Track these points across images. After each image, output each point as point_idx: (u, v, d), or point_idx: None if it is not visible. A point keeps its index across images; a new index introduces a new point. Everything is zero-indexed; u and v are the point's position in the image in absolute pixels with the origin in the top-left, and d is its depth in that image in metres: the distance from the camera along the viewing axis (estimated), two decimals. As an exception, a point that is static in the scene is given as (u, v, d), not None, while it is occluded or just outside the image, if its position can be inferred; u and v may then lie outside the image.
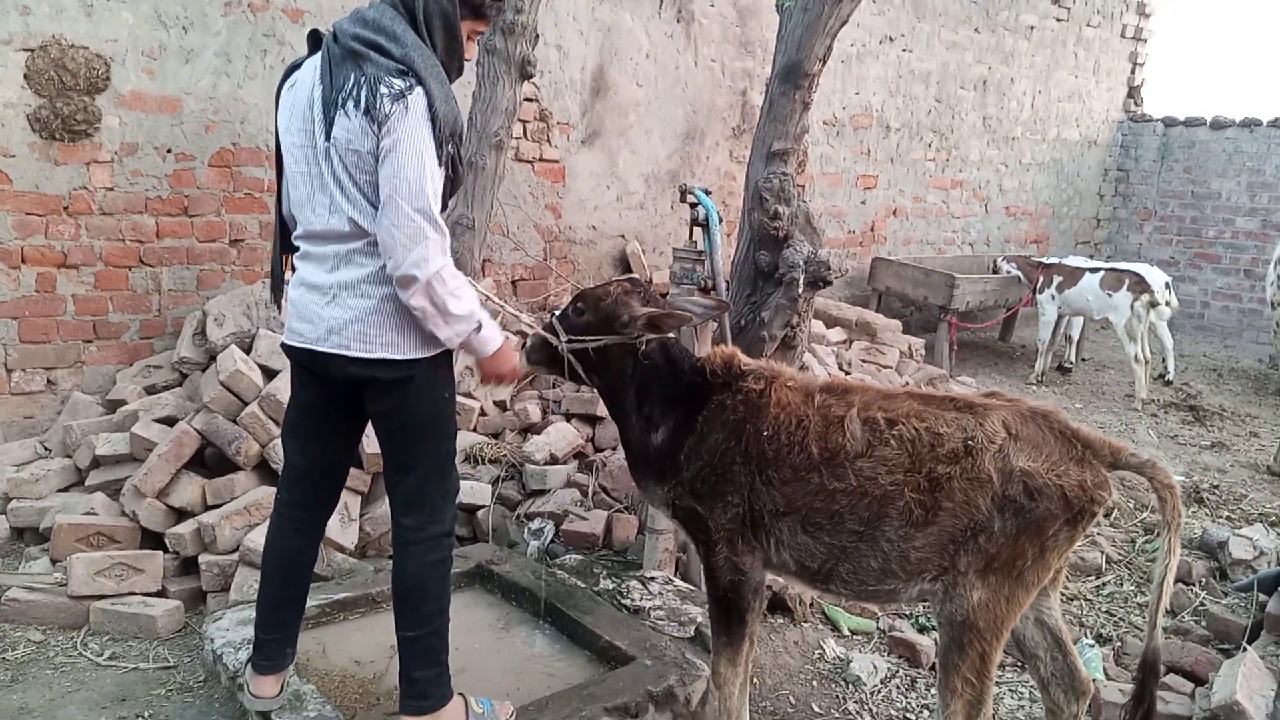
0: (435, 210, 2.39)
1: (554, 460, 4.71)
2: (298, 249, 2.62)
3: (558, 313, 2.94)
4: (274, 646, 2.81)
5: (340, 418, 2.75)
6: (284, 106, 2.54)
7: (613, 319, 2.78)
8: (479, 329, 2.53)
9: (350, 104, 2.34)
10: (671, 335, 2.87)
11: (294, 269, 2.65)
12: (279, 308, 2.92)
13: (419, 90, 2.35)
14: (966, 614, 2.47)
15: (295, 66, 2.57)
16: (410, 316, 2.48)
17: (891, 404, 2.60)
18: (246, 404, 4.14)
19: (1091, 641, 3.83)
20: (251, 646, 2.87)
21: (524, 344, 2.93)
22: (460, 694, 2.76)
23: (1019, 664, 3.73)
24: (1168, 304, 7.96)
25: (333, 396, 2.67)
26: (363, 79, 2.34)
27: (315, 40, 2.54)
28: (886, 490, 2.49)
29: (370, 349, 2.48)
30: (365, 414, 2.71)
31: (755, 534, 2.69)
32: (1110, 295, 7.60)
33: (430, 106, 2.36)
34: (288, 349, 2.64)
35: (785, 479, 2.60)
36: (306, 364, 2.61)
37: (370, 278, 2.46)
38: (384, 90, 2.32)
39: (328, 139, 2.39)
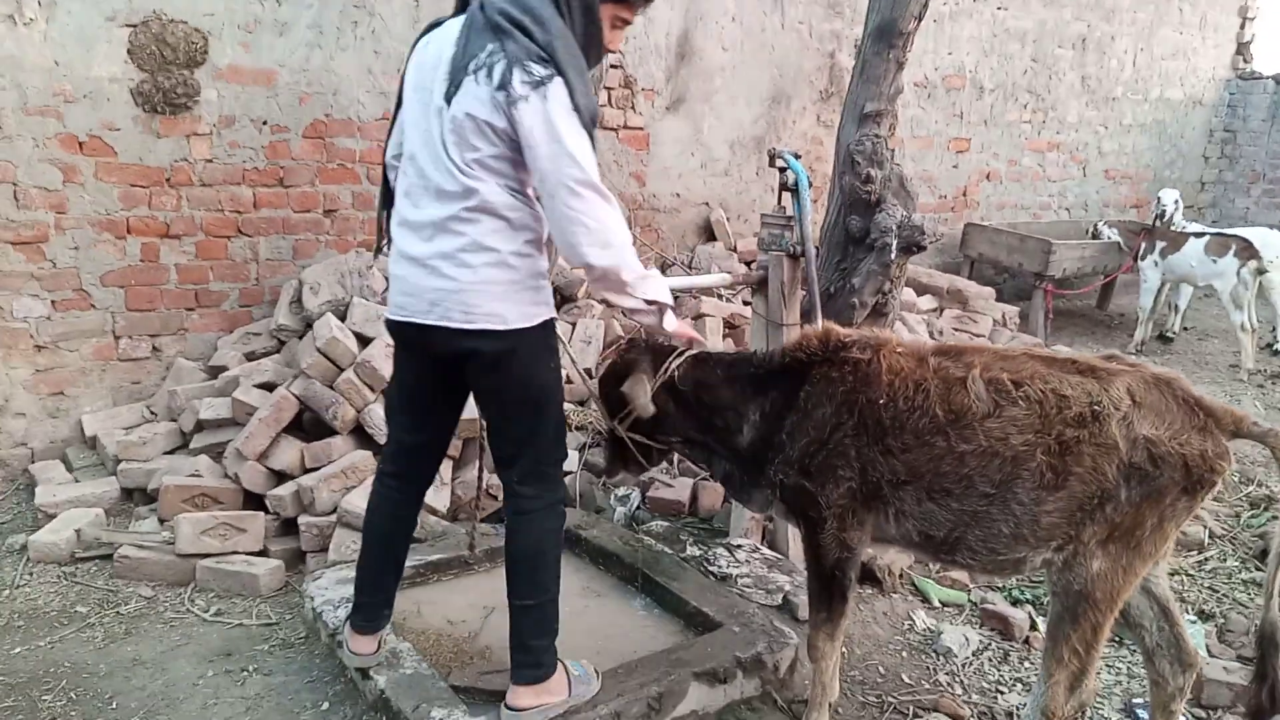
0: (598, 180, 2.37)
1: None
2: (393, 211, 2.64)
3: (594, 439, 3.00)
4: (373, 609, 2.88)
5: (445, 393, 2.74)
6: (414, 61, 2.55)
7: (630, 373, 2.84)
8: (662, 313, 2.59)
9: (482, 73, 2.32)
10: (696, 350, 2.89)
11: (390, 240, 2.66)
12: (377, 257, 2.94)
13: (558, 80, 2.32)
14: (1084, 584, 2.45)
15: (436, 24, 2.56)
16: (512, 286, 2.47)
17: (1014, 365, 2.55)
18: (342, 370, 4.23)
19: (1194, 618, 3.72)
20: (350, 606, 2.95)
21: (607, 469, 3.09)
22: (560, 660, 2.78)
23: (1116, 639, 3.64)
24: None
25: (437, 372, 2.66)
26: (500, 54, 2.32)
27: (463, 2, 2.53)
28: (1018, 451, 2.45)
29: (472, 319, 2.45)
30: (468, 388, 2.70)
31: (868, 508, 2.65)
32: (1215, 261, 7.29)
33: (571, 96, 2.33)
34: (391, 324, 2.64)
35: (906, 446, 2.55)
36: (411, 339, 2.61)
37: (468, 246, 2.44)
38: (522, 75, 2.29)
39: (446, 100, 2.38)
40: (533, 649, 2.68)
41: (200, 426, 4.47)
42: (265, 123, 5.15)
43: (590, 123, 2.39)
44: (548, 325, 2.59)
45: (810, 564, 2.81)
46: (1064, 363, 2.57)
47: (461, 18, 2.46)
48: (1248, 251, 7.19)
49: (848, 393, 2.63)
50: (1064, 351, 6.58)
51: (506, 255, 2.46)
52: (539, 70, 2.30)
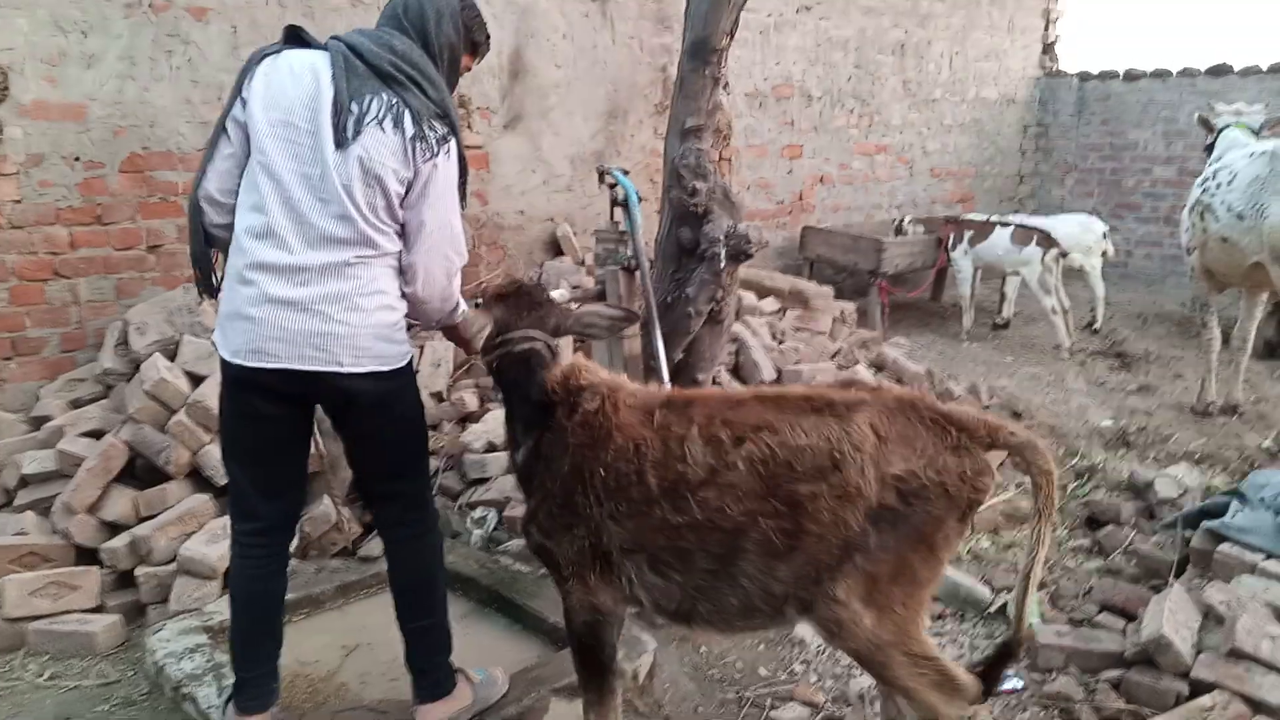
0: (463, 248, 2.62)
1: (493, 448, 4.70)
2: (227, 246, 2.55)
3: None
4: (257, 683, 2.71)
5: (300, 438, 2.72)
6: (261, 89, 2.42)
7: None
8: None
9: (388, 122, 2.39)
10: (537, 342, 2.59)
11: (224, 278, 2.58)
12: (207, 300, 2.73)
13: (454, 141, 2.51)
14: (866, 643, 2.21)
15: (265, 54, 2.48)
16: (394, 327, 2.55)
17: (738, 414, 2.32)
18: (174, 412, 4.08)
19: (1027, 588, 3.93)
20: (231, 686, 2.76)
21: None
22: (459, 669, 2.85)
23: (959, 614, 3.83)
24: (1105, 253, 8.20)
25: (295, 417, 2.63)
26: (405, 108, 2.42)
27: (293, 36, 2.53)
28: (737, 522, 2.22)
29: (361, 363, 2.48)
30: (311, 430, 2.73)
31: (607, 570, 2.44)
32: (1021, 250, 7.80)
33: (461, 156, 2.56)
34: (252, 371, 2.46)
35: (628, 513, 2.35)
36: (275, 385, 2.49)
37: (363, 290, 2.47)
38: (431, 132, 2.44)
39: (340, 145, 2.37)
40: (433, 667, 2.76)
41: (25, 482, 4.22)
42: (78, 159, 4.92)
43: (464, 174, 2.64)
44: (412, 360, 2.68)
45: (566, 629, 2.62)
46: (797, 402, 2.33)
47: (316, 54, 2.47)
48: (1047, 241, 7.74)
49: (578, 446, 2.43)
50: (901, 341, 6.88)
51: (392, 299, 2.54)
52: (440, 128, 2.47)
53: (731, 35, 3.78)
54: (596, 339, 3.06)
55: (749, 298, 6.40)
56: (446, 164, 2.48)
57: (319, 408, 2.69)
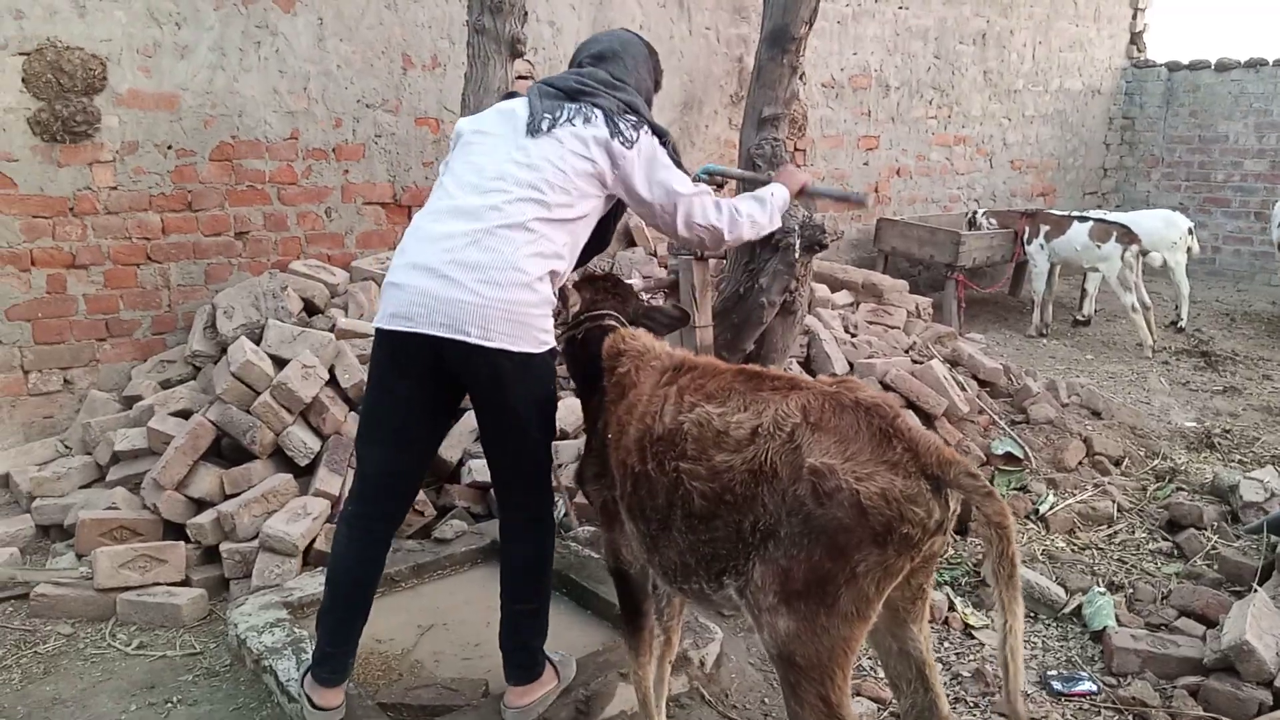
0: (692, 184, 2.83)
1: (564, 435, 4.76)
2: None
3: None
4: (339, 659, 2.77)
5: (434, 416, 2.76)
6: (471, 125, 2.78)
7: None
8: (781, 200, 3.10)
9: (579, 119, 2.65)
10: (614, 321, 2.82)
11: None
12: None
13: (647, 126, 2.74)
14: (780, 646, 2.07)
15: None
16: (532, 309, 2.54)
17: (710, 383, 2.34)
18: (259, 394, 4.19)
19: (1103, 589, 3.86)
20: (311, 659, 2.82)
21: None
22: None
23: (1031, 614, 3.77)
24: (1190, 250, 8.00)
25: (431, 391, 2.66)
26: (595, 108, 2.68)
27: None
28: (671, 477, 2.26)
29: (490, 338, 2.48)
30: (453, 414, 2.83)
31: (620, 520, 2.58)
32: (1100, 246, 7.62)
33: (660, 138, 2.78)
34: (391, 336, 2.57)
35: (622, 461, 2.46)
36: (413, 352, 2.56)
37: (498, 263, 2.49)
38: (623, 121, 2.68)
39: (533, 132, 2.64)
40: (533, 649, 2.83)
41: (116, 458, 4.40)
42: (170, 147, 5.09)
43: (675, 151, 2.85)
44: (554, 352, 2.69)
45: None
46: (763, 380, 2.30)
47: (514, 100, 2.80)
48: (1128, 237, 7.57)
49: (610, 404, 2.60)
50: (976, 336, 6.76)
51: (532, 279, 2.53)
52: (631, 118, 2.71)
53: (810, 24, 3.77)
54: (655, 333, 3.12)
55: (822, 290, 6.36)
56: (648, 140, 2.71)
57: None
